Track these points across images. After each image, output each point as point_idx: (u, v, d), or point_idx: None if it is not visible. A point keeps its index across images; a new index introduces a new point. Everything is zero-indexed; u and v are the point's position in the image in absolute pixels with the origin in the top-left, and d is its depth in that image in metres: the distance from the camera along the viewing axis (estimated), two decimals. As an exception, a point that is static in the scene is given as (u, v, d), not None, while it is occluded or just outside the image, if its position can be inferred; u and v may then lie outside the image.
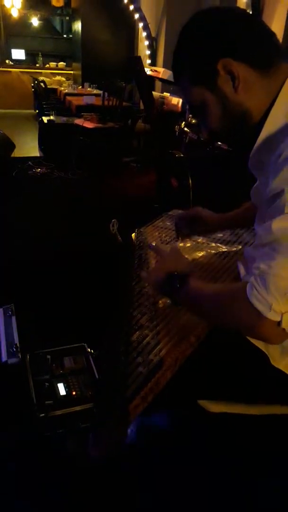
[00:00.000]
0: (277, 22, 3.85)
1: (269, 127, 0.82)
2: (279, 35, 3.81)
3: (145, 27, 6.25)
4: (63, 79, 8.52)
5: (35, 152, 5.57)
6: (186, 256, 1.31)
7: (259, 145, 0.84)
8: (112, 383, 0.78)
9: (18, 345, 1.48)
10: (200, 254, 1.34)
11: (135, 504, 1.26)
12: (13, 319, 1.61)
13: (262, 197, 0.85)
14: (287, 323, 0.73)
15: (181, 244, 1.41)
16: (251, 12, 3.66)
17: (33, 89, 7.79)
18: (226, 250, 1.36)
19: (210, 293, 0.89)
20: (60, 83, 7.97)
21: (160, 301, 1.06)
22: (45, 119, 5.17)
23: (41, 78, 7.52)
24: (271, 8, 3.90)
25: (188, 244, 1.40)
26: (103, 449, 0.72)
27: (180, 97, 4.59)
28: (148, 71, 4.67)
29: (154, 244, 1.19)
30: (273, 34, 0.83)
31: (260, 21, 0.86)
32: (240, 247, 1.38)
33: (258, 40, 0.82)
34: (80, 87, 7.19)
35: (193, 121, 3.53)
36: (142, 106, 5.22)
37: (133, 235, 1.53)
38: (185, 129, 3.60)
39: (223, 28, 0.81)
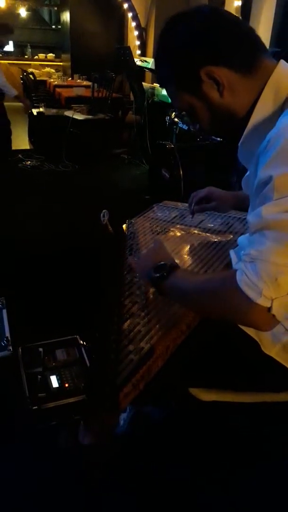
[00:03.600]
0: (264, 24, 3.89)
1: (256, 117, 0.82)
2: (267, 37, 3.85)
3: (134, 17, 6.18)
4: (53, 70, 8.41)
5: (25, 145, 5.52)
6: (177, 246, 1.31)
7: (246, 135, 0.85)
8: (103, 370, 0.77)
9: (9, 338, 1.47)
10: (191, 243, 1.34)
11: (132, 494, 1.26)
12: (4, 312, 1.60)
13: (252, 186, 0.85)
14: (277, 309, 0.72)
15: (171, 234, 1.41)
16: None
17: (22, 81, 7.68)
18: (216, 240, 1.36)
19: (198, 282, 0.88)
20: (49, 75, 7.86)
21: (151, 290, 1.06)
22: (34, 111, 5.12)
23: (30, 70, 7.41)
24: (258, 11, 3.94)
25: (179, 234, 1.40)
26: (93, 437, 0.71)
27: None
28: (138, 61, 4.63)
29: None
30: (253, 31, 0.84)
31: (240, 20, 0.86)
32: (231, 236, 1.37)
33: (239, 42, 0.82)
34: (70, 78, 7.11)
35: (183, 112, 3.51)
36: (132, 97, 5.16)
37: (124, 225, 1.52)
38: (176, 119, 3.58)
39: (203, 35, 0.81)
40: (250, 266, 0.72)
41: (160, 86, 1.05)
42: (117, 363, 0.77)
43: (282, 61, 0.83)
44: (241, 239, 1.06)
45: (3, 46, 4.84)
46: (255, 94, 0.82)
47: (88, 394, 0.97)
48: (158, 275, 0.92)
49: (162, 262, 0.95)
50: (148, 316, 0.96)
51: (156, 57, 0.92)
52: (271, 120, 0.79)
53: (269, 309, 0.72)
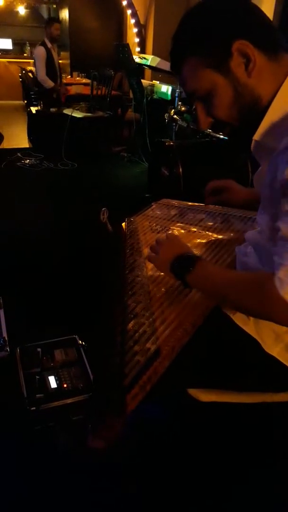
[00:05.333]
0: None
1: (274, 113, 0.80)
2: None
3: (134, 14, 6.15)
4: (51, 68, 8.38)
5: (24, 143, 5.49)
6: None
7: (263, 128, 0.82)
8: (109, 373, 0.76)
9: (6, 338, 1.46)
10: (191, 242, 1.31)
11: (133, 495, 1.24)
12: (1, 312, 1.58)
13: (265, 183, 0.83)
14: None
15: (171, 233, 1.39)
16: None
17: (21, 79, 7.66)
18: (217, 238, 1.34)
19: (231, 278, 0.87)
20: (48, 73, 7.83)
21: (155, 289, 1.04)
22: (33, 109, 5.09)
23: (29, 68, 7.39)
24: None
25: (178, 232, 1.38)
26: (103, 440, 0.70)
27: (170, 85, 4.54)
28: (137, 58, 4.60)
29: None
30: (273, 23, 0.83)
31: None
32: (232, 234, 1.35)
33: (267, 26, 0.80)
34: (69, 76, 7.08)
35: (183, 108, 3.49)
36: (131, 95, 5.14)
37: (123, 224, 1.50)
38: (175, 116, 3.56)
39: (239, 7, 0.79)
40: None
41: (173, 67, 0.98)
42: (123, 365, 0.76)
43: None
44: (249, 235, 1.03)
45: (58, 40, 5.15)
46: (278, 84, 0.79)
47: (95, 397, 0.95)
48: (183, 268, 0.92)
49: (184, 254, 0.94)
50: (153, 316, 0.94)
51: (178, 30, 0.85)
52: None
53: None
